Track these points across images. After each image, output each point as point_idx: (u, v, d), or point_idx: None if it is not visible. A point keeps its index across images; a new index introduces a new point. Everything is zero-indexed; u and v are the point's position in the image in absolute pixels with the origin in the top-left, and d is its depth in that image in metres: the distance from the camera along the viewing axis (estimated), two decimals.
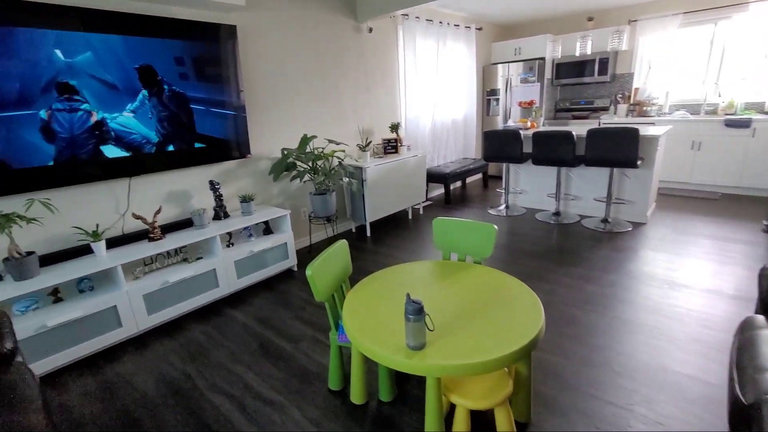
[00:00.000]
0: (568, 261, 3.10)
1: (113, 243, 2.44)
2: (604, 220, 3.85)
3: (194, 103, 2.66)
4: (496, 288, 1.67)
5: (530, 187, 4.53)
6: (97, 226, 2.39)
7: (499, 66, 5.76)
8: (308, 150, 3.25)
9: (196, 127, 2.70)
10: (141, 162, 2.48)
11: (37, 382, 1.40)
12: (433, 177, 4.86)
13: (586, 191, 4.11)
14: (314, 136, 3.22)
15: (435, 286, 1.72)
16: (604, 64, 5.31)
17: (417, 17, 4.36)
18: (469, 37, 5.24)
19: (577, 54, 5.15)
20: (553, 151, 3.74)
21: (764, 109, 4.51)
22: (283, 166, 3.19)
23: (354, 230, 4.13)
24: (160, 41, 2.42)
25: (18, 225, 1.99)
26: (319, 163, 3.27)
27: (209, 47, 2.67)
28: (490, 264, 3.14)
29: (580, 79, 5.57)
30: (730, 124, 4.35)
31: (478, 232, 1.96)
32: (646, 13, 5.10)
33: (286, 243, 3.06)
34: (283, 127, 3.39)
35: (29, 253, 2.04)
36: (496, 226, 1.90)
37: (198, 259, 2.63)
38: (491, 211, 4.50)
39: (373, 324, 1.46)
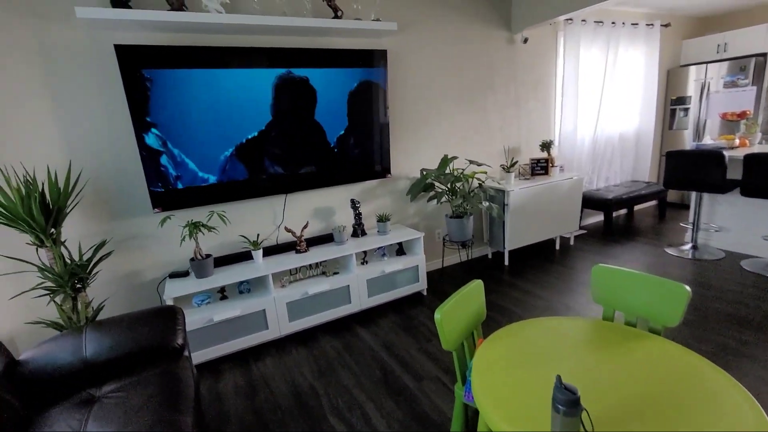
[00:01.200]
0: None
1: (268, 251, 2.74)
2: None
3: (344, 126, 2.81)
4: (686, 375, 1.21)
5: (733, 224, 3.45)
6: (258, 236, 2.72)
7: (692, 68, 4.64)
8: (448, 171, 3.12)
9: (344, 147, 2.85)
10: (296, 180, 2.73)
11: (195, 379, 1.60)
12: (591, 202, 4.17)
13: None
14: (455, 157, 3.07)
15: (593, 357, 1.36)
16: None
17: (583, 20, 3.81)
18: (650, 36, 4.35)
19: None
20: None
21: None
22: (421, 187, 3.13)
23: (490, 256, 3.82)
24: (320, 71, 2.63)
25: (201, 233, 2.39)
26: (458, 184, 3.10)
27: (362, 73, 2.79)
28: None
29: None
30: None
31: (659, 292, 1.49)
32: None
33: (417, 266, 2.98)
34: (424, 146, 3.34)
35: (207, 256, 2.43)
36: (688, 288, 1.41)
37: (335, 273, 2.76)
38: (670, 251, 3.59)
39: (507, 393, 1.21)
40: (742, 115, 3.52)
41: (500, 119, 3.69)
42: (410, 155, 3.30)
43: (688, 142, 4.82)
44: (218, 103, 2.38)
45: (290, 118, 2.61)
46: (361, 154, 2.94)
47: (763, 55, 4.21)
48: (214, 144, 2.42)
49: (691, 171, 3.22)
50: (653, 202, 5.14)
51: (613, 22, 4.03)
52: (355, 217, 2.98)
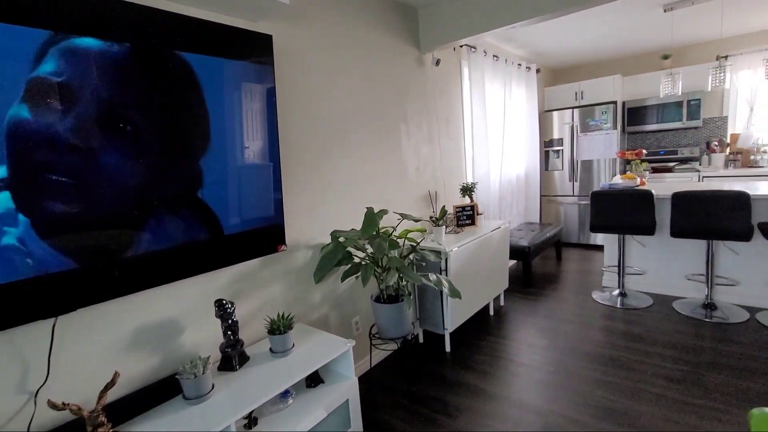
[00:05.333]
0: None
1: None
2: None
3: (194, 160, 1.47)
4: None
5: (653, 266, 3.32)
6: None
7: (555, 113, 4.85)
8: (374, 233, 2.03)
9: (197, 203, 1.49)
10: (87, 281, 1.22)
11: None
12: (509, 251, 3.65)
13: (751, 273, 2.91)
14: (384, 211, 2.03)
15: None
16: (695, 107, 4.39)
17: (484, 52, 3.41)
18: (530, 78, 4.33)
19: (661, 95, 4.23)
20: (711, 218, 2.59)
21: None
22: (336, 261, 1.96)
23: (422, 340, 2.80)
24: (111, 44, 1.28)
25: None
26: (393, 252, 2.04)
27: (234, 68, 1.54)
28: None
29: (662, 125, 4.63)
30: None
31: None
32: (740, 47, 4.29)
33: (347, 401, 1.73)
34: (327, 196, 2.20)
35: None
36: None
37: None
38: (598, 298, 3.25)
39: None
40: (639, 153, 3.56)
41: (416, 158, 2.86)
42: (309, 212, 2.11)
43: (559, 182, 4.97)
44: None
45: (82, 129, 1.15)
46: (234, 214, 1.62)
47: (614, 102, 4.61)
48: None
49: (621, 213, 2.94)
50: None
51: (506, 60, 3.78)
52: (225, 332, 1.59)
